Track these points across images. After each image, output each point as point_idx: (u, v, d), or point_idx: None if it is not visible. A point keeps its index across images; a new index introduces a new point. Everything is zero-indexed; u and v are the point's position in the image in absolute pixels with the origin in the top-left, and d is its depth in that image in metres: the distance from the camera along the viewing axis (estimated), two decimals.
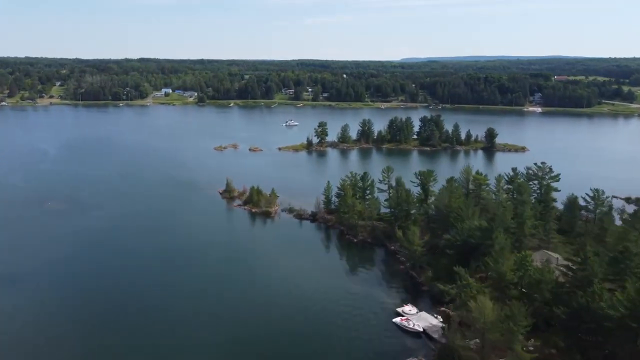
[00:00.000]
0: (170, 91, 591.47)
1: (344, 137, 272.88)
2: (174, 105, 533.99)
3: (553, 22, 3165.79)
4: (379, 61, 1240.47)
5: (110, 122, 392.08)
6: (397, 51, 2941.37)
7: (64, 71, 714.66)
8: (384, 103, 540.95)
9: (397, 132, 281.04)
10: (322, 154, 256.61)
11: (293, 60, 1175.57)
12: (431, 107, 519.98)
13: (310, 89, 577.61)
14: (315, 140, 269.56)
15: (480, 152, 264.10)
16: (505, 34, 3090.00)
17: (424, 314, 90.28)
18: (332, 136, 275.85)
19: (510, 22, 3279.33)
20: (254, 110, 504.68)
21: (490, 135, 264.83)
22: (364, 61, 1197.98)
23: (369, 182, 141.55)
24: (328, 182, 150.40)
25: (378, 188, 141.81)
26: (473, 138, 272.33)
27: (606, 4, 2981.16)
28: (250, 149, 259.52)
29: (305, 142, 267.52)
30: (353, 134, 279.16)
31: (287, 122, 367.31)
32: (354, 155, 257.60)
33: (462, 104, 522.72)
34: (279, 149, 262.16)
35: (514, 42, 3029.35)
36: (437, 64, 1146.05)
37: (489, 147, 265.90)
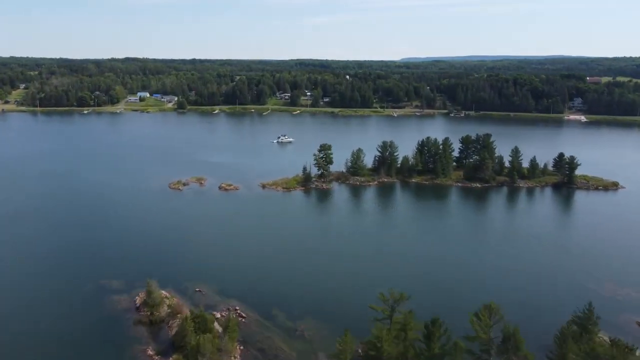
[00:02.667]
0: (148, 95, 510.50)
1: (355, 167, 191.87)
2: (148, 112, 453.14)
3: (552, 22, 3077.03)
4: (382, 61, 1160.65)
5: (55, 135, 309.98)
6: (397, 51, 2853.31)
7: (31, 72, 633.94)
8: (396, 109, 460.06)
9: (430, 158, 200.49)
10: (324, 196, 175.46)
11: (291, 60, 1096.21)
12: (452, 115, 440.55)
13: (309, 93, 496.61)
14: (314, 169, 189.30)
15: (549, 191, 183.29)
16: (505, 33, 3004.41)
17: None
18: (339, 162, 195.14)
19: (509, 22, 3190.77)
20: (242, 119, 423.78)
21: (569, 165, 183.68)
22: (366, 61, 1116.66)
23: (443, 337, 60.59)
24: (346, 332, 68.79)
25: (471, 354, 60.75)
26: (540, 168, 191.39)
27: (605, 3, 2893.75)
28: (220, 187, 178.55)
29: (302, 173, 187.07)
30: (368, 157, 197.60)
31: (279, 137, 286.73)
32: (371, 196, 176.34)
33: (488, 111, 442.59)
34: (263, 185, 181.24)
35: (514, 42, 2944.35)
36: (444, 64, 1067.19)
37: (565, 182, 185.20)
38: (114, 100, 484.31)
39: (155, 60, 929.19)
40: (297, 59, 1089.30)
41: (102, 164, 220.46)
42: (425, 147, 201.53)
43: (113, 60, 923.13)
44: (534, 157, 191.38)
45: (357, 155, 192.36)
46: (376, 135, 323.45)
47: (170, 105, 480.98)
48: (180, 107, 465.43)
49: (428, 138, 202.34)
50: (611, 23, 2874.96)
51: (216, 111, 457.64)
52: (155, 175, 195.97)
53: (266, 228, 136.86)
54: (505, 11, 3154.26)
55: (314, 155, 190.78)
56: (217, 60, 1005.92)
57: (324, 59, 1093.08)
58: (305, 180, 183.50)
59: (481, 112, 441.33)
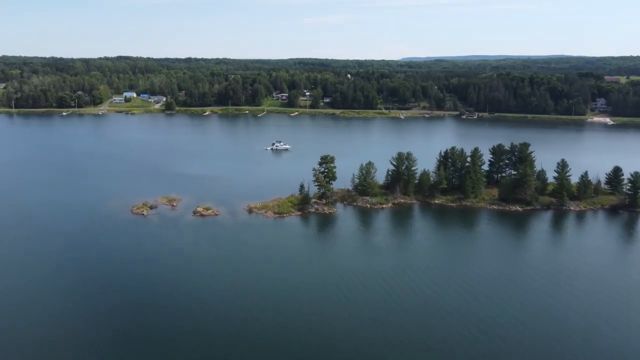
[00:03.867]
0: (134, 95, 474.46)
1: (365, 185, 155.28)
2: (133, 114, 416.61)
3: (552, 21, 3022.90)
4: (383, 60, 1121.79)
5: (19, 140, 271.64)
6: (397, 51, 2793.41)
7: (13, 71, 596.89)
8: (403, 111, 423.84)
9: (455, 173, 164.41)
10: (326, 224, 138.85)
11: (290, 59, 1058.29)
12: (464, 117, 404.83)
13: (308, 93, 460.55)
14: (314, 187, 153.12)
15: (605, 216, 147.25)
16: (505, 33, 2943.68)
17: None
18: (343, 175, 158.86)
19: (508, 22, 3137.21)
20: (235, 122, 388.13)
21: (634, 183, 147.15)
22: (366, 60, 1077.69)
23: None
24: None
25: None
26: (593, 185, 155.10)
27: (604, 2, 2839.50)
28: (196, 212, 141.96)
29: (298, 192, 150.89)
30: (378, 171, 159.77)
31: (273, 144, 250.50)
32: (386, 224, 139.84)
33: (503, 112, 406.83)
34: (250, 209, 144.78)
35: (513, 42, 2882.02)
36: (447, 63, 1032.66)
37: (627, 204, 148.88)
38: (96, 101, 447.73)
39: (149, 59, 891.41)
40: (296, 58, 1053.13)
41: (60, 177, 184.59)
42: (448, 159, 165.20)
43: (106, 59, 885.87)
44: (586, 173, 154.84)
45: (366, 170, 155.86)
46: (383, 141, 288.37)
47: (157, 106, 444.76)
48: (168, 108, 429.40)
49: (453, 148, 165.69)
50: (610, 22, 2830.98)
51: (207, 113, 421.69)
52: (119, 193, 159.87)
53: (248, 281, 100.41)
54: (505, 10, 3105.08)
55: (314, 170, 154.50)
56: (213, 59, 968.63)
57: (324, 58, 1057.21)
58: (302, 203, 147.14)
59: (495, 114, 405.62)
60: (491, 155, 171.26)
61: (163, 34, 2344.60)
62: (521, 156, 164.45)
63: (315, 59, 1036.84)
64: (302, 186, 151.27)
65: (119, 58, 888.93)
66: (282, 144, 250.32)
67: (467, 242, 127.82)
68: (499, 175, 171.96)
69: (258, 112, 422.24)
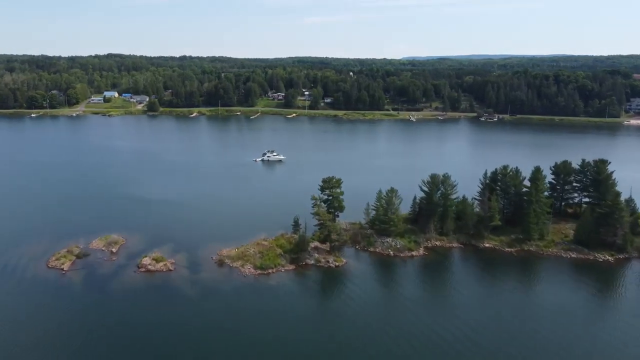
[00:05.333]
0: (115, 95, 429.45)
1: (385, 221, 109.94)
2: (110, 115, 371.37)
3: (552, 20, 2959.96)
4: (385, 59, 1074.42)
5: None
6: (397, 50, 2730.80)
7: None
8: (413, 112, 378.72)
9: (507, 201, 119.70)
10: (331, 285, 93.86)
11: (289, 58, 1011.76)
12: (482, 119, 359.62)
13: (307, 92, 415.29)
14: (315, 223, 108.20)
15: None
16: (505, 32, 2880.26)
17: None
18: (351, 202, 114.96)
19: (509, 21, 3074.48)
20: (225, 125, 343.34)
21: None
22: (368, 59, 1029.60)
23: None
24: None
25: None
26: None
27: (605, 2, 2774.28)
28: (140, 266, 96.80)
29: (291, 229, 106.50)
30: (404, 201, 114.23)
31: (264, 154, 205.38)
32: (419, 289, 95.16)
33: (526, 114, 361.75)
34: (220, 260, 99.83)
35: (514, 41, 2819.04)
36: (452, 62, 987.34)
37: None
38: (72, 101, 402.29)
39: (141, 57, 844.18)
40: (296, 57, 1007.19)
41: None
42: (498, 182, 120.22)
43: (95, 56, 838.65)
44: None
45: (388, 201, 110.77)
46: (396, 150, 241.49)
47: (140, 106, 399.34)
48: (150, 109, 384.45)
49: (505, 167, 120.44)
50: (610, 21, 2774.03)
51: (194, 114, 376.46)
52: (43, 231, 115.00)
53: None
54: (505, 10, 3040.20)
55: (313, 199, 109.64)
56: (208, 58, 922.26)
57: (324, 56, 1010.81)
58: (297, 249, 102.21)
59: (518, 116, 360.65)
60: (552, 176, 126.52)
61: (161, 33, 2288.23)
62: (597, 177, 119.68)
63: (315, 57, 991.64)
64: (296, 222, 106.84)
65: (109, 56, 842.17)
66: (274, 154, 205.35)
67: (539, 317, 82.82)
68: (562, 204, 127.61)
69: (251, 114, 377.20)
